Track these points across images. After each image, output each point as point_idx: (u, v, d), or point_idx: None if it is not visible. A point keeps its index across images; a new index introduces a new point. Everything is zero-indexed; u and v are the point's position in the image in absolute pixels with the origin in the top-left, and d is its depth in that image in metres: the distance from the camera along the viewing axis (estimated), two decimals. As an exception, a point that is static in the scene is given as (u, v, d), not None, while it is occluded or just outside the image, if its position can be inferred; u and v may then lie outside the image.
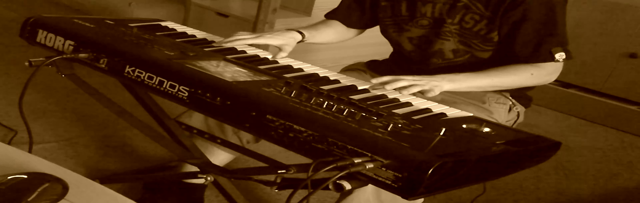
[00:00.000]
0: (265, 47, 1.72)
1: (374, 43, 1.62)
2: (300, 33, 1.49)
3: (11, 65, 2.55)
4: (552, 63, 1.39)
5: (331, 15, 1.65)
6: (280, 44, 1.42)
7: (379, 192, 1.25)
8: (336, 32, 1.64)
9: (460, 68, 1.49)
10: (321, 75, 1.30)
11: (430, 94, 1.22)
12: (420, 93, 1.23)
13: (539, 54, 1.37)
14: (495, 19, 1.38)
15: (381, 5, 1.54)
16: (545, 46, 1.36)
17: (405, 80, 1.22)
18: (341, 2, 1.65)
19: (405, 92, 1.20)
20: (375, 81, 1.23)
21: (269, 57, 1.41)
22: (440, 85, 1.25)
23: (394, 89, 1.21)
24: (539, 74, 1.40)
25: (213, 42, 1.47)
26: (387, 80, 1.23)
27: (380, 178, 0.87)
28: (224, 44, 1.40)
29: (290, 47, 1.43)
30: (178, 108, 1.22)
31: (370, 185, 0.91)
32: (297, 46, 1.52)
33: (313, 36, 1.53)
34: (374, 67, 1.64)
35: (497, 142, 1.02)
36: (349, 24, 1.65)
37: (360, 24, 1.65)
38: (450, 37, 1.44)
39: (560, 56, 1.37)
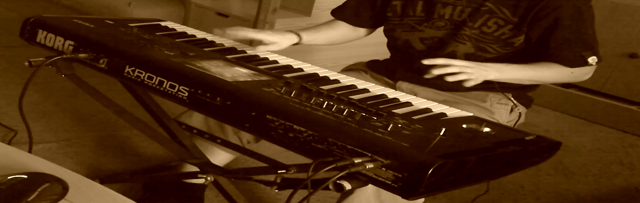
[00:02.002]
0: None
1: (374, 43, 1.62)
2: (298, 36, 1.49)
3: (11, 65, 2.55)
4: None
5: (338, 14, 1.62)
6: (271, 42, 1.42)
7: (379, 191, 1.25)
8: (340, 34, 1.62)
9: None
10: (321, 75, 1.30)
11: (470, 84, 1.24)
12: (463, 80, 1.24)
13: (574, 60, 1.39)
14: (522, 25, 1.39)
15: (391, 4, 1.52)
16: (578, 51, 1.39)
17: (456, 66, 1.23)
18: (348, 0, 1.62)
19: (450, 79, 1.22)
20: (427, 62, 1.24)
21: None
22: (486, 74, 1.27)
23: (441, 74, 1.22)
24: (579, 73, 1.43)
25: (213, 42, 1.47)
26: (441, 63, 1.24)
27: (380, 178, 0.87)
28: (228, 34, 1.40)
29: (277, 47, 1.43)
30: (178, 108, 1.22)
31: (370, 185, 0.91)
32: (297, 46, 1.51)
33: (313, 39, 1.53)
34: (375, 67, 1.63)
35: (497, 142, 1.02)
36: (356, 23, 1.62)
37: (370, 23, 1.62)
38: (467, 41, 1.44)
39: (593, 60, 1.40)
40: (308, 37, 1.51)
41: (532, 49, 1.43)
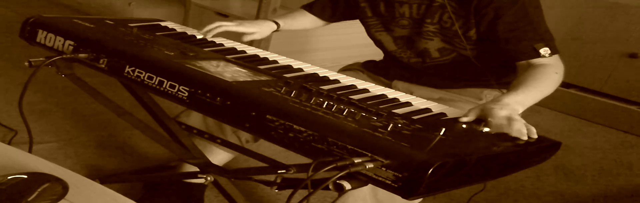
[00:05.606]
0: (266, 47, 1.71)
1: (373, 43, 1.63)
2: (276, 23, 1.60)
3: (11, 65, 2.55)
4: (551, 59, 1.34)
5: (307, 9, 1.71)
6: (252, 32, 1.53)
7: (376, 190, 1.25)
8: (310, 21, 1.72)
9: (448, 67, 1.49)
10: (321, 75, 1.30)
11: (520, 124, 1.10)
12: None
13: (523, 52, 1.34)
14: (469, 17, 1.38)
15: (360, 6, 1.55)
16: (526, 42, 1.33)
17: (518, 127, 1.07)
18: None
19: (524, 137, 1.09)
20: (485, 128, 1.08)
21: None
22: (515, 112, 1.14)
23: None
24: (559, 72, 1.32)
25: (213, 42, 1.47)
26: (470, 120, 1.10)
27: (380, 178, 0.87)
28: (207, 33, 1.49)
29: (260, 35, 1.55)
30: (178, 108, 1.22)
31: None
32: (296, 45, 1.53)
33: (289, 25, 1.65)
34: (371, 68, 1.65)
35: (497, 142, 1.02)
36: (323, 19, 1.72)
37: (332, 20, 1.73)
38: (433, 37, 1.45)
39: (544, 51, 1.32)
40: (284, 24, 1.62)
41: (491, 45, 1.40)
